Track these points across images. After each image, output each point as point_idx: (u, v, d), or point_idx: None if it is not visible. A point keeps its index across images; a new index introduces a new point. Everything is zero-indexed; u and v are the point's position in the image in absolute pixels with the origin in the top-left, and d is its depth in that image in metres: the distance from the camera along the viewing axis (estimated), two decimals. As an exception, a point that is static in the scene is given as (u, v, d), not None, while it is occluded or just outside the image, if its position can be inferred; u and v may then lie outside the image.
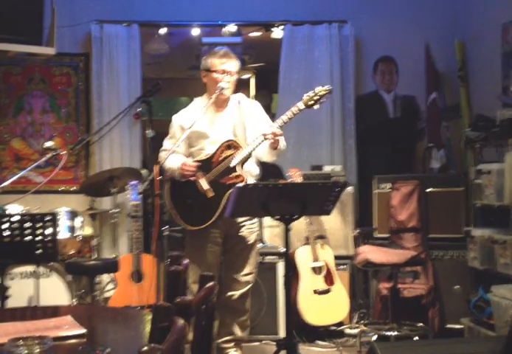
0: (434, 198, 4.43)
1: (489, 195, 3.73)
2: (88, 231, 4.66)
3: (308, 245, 4.29)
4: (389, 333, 3.84)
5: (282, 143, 3.40)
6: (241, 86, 6.96)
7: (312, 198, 3.04)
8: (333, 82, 5.08)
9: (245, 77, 7.55)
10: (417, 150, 5.20)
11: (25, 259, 3.43)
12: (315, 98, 3.26)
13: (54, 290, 4.13)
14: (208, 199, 3.39)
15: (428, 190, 4.44)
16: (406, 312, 3.99)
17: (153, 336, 1.30)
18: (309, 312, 4.15)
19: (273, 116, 5.34)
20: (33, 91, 5.14)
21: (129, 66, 5.07)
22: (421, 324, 4.02)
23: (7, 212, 3.97)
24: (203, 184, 3.39)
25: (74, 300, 4.21)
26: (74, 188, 5.08)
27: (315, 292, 4.20)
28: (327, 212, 3.17)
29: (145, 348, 1.11)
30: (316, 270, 4.26)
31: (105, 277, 4.67)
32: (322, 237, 4.42)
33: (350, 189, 4.66)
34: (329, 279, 4.26)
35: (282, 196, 2.97)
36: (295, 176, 4.36)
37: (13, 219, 3.11)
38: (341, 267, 4.51)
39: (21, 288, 3.98)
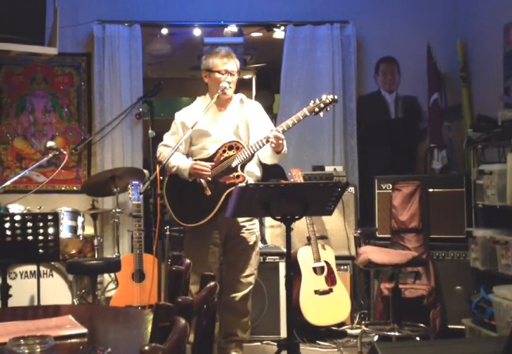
0: (436, 199, 4.43)
1: (491, 195, 3.73)
2: (89, 230, 4.66)
3: (310, 245, 4.29)
4: (390, 334, 3.84)
5: (284, 147, 3.41)
6: (243, 86, 6.99)
7: (313, 198, 3.04)
8: (335, 83, 5.09)
9: (246, 77, 7.56)
10: (419, 150, 5.20)
11: (27, 259, 3.43)
12: (320, 106, 3.28)
13: (56, 289, 4.13)
14: (205, 198, 3.39)
15: (429, 191, 4.44)
16: (408, 312, 3.98)
17: (154, 336, 1.30)
18: (310, 312, 4.15)
19: (274, 117, 5.35)
20: (35, 91, 5.15)
21: (131, 66, 5.07)
22: (422, 324, 4.01)
23: (9, 212, 3.98)
24: (203, 181, 3.39)
25: (75, 300, 4.21)
26: (76, 188, 5.09)
27: (316, 292, 4.20)
28: (329, 213, 3.17)
29: (147, 348, 1.11)
30: (318, 270, 4.26)
31: (107, 277, 4.67)
32: (323, 237, 4.42)
33: (351, 189, 4.66)
34: (330, 280, 4.26)
35: (284, 196, 2.97)
36: (296, 176, 4.36)
37: (15, 218, 3.11)
38: (343, 267, 4.51)
39: (23, 288, 3.99)
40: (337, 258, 4.40)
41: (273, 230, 4.59)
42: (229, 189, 3.30)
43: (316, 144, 5.09)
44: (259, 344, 4.15)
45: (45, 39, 4.61)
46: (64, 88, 5.18)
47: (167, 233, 4.26)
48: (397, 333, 3.82)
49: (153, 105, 4.79)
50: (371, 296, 4.50)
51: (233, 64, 3.52)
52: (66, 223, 4.33)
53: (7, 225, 3.08)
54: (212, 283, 1.68)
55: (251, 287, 3.55)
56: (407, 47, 5.18)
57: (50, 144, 3.86)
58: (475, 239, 3.92)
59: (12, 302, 3.16)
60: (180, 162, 3.42)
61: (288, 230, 3.08)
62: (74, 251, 4.50)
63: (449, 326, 4.16)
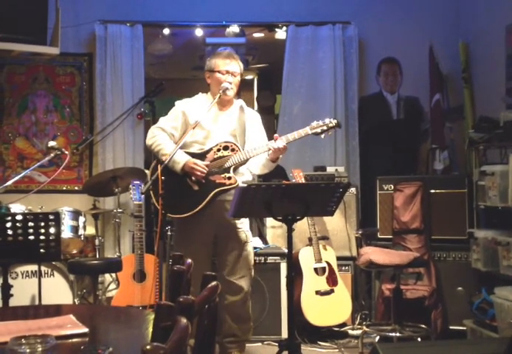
0: (438, 200, 4.42)
1: (492, 196, 3.72)
2: (90, 230, 4.66)
3: (311, 246, 4.29)
4: (391, 335, 3.83)
5: (279, 159, 3.45)
6: (244, 87, 6.99)
7: (315, 198, 3.04)
8: (337, 83, 5.09)
9: (248, 77, 7.56)
10: (421, 151, 5.19)
11: (28, 259, 3.43)
12: (323, 128, 3.32)
13: (57, 289, 4.13)
14: (192, 191, 3.39)
15: (431, 191, 4.43)
16: (409, 313, 3.98)
17: (155, 336, 1.30)
18: (311, 313, 4.15)
19: (276, 117, 5.35)
20: (37, 91, 5.15)
21: (132, 66, 5.07)
22: (424, 325, 4.00)
23: (11, 211, 3.98)
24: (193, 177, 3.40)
25: (76, 299, 4.21)
26: (77, 188, 5.09)
27: (317, 293, 4.19)
28: (330, 213, 3.17)
29: (148, 347, 1.11)
30: (319, 271, 4.26)
31: (108, 277, 4.67)
32: (324, 237, 4.41)
33: (353, 190, 4.66)
34: (331, 280, 4.26)
35: (285, 197, 2.97)
36: (298, 177, 4.36)
37: (17, 218, 3.11)
38: (344, 268, 4.51)
39: (24, 287, 3.98)
40: (338, 259, 4.40)
41: (274, 230, 4.59)
42: (218, 189, 3.35)
43: (317, 144, 5.08)
44: (260, 344, 4.14)
45: (47, 39, 4.62)
46: (66, 88, 5.18)
47: (169, 233, 4.27)
48: (398, 334, 3.81)
49: (154, 106, 4.80)
50: (372, 297, 4.50)
51: (235, 65, 3.53)
52: (67, 222, 4.32)
53: (9, 224, 3.08)
54: (213, 283, 1.68)
55: (246, 290, 3.53)
56: (409, 48, 5.17)
57: (52, 144, 3.86)
58: (477, 240, 3.92)
59: (13, 302, 3.15)
60: (175, 155, 3.30)
61: (290, 230, 3.08)
62: (75, 251, 4.50)
63: (450, 327, 4.16)
